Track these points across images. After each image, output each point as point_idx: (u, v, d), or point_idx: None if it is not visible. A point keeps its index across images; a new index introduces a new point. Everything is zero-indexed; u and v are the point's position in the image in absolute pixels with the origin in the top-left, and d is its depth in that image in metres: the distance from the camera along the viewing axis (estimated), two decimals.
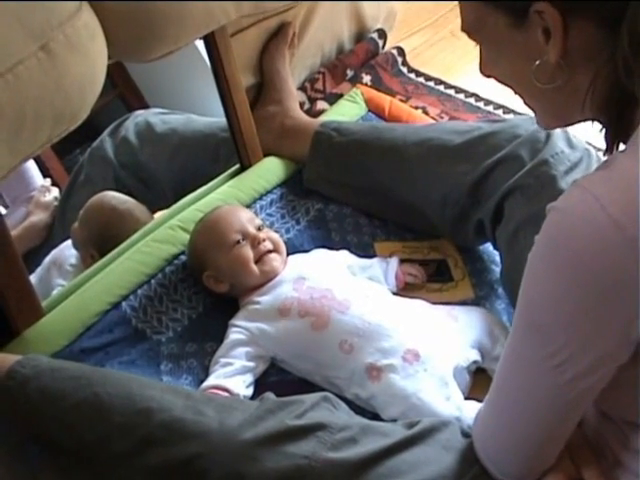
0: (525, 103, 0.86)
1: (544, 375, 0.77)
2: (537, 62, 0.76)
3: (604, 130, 0.80)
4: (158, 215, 1.44)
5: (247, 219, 1.23)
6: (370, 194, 1.40)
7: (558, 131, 1.21)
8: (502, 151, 1.23)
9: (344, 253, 1.30)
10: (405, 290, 1.27)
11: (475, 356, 1.13)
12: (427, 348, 1.09)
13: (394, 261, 1.28)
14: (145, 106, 1.89)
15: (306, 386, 1.12)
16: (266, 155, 1.46)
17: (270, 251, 1.21)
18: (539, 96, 0.82)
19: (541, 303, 0.75)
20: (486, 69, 0.84)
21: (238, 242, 1.19)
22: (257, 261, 1.19)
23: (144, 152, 1.60)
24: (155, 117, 1.63)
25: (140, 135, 1.60)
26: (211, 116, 1.62)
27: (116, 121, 1.66)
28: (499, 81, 0.85)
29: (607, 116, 0.78)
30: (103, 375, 0.99)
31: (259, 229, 1.23)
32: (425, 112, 1.70)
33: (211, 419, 0.92)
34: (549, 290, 0.74)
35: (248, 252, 1.19)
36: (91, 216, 1.45)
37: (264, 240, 1.21)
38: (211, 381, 1.09)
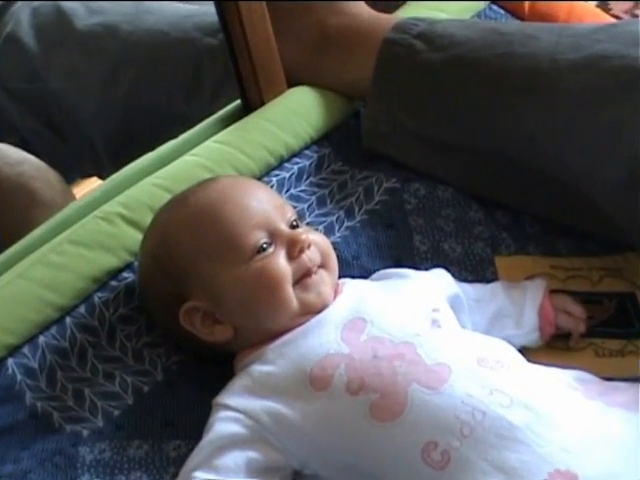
0: None
1: None
2: None
3: None
4: (83, 191, 1.42)
5: (275, 205, 1.21)
6: (488, 162, 1.37)
7: None
8: None
9: (441, 274, 1.28)
10: (552, 350, 1.26)
11: None
12: (593, 471, 1.05)
13: (537, 287, 1.28)
14: None
15: None
16: (292, 85, 1.46)
17: (316, 267, 1.19)
18: None
19: None
20: None
21: (263, 248, 1.17)
22: (295, 283, 1.18)
23: (52, 69, 1.61)
24: None
25: (43, 34, 1.64)
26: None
27: None
28: None
29: None
30: None
31: (293, 226, 1.20)
32: (604, 8, 1.65)
33: None
34: None
35: (283, 266, 1.17)
36: None
37: (309, 246, 1.18)
38: None
